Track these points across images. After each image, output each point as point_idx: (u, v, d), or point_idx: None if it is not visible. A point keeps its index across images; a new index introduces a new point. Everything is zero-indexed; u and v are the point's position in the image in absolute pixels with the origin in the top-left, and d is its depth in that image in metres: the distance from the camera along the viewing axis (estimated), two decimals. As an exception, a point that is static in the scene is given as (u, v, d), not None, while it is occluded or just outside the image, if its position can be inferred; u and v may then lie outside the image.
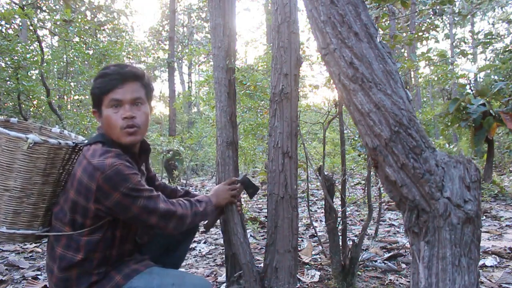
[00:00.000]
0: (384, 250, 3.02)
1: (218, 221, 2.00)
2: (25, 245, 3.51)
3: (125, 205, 1.30)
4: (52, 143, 1.31)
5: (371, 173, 2.44)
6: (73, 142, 1.41)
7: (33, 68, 6.05)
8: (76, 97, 7.47)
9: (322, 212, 4.27)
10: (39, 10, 12.33)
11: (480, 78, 12.86)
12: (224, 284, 2.23)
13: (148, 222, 1.35)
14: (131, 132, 1.37)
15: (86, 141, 1.46)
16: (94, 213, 1.32)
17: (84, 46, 6.73)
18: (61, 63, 6.74)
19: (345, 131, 2.58)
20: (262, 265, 2.04)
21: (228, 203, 1.80)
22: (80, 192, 1.30)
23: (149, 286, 1.36)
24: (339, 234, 2.21)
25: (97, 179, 1.26)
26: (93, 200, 1.29)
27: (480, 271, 2.45)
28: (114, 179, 1.26)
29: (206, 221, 1.77)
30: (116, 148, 1.36)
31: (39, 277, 2.62)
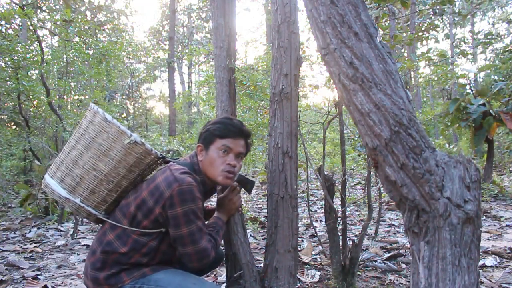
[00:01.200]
0: (384, 250, 3.02)
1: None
2: (25, 245, 3.51)
3: (179, 222, 1.45)
4: (147, 147, 1.54)
5: (371, 173, 2.44)
6: (161, 155, 1.62)
7: (33, 68, 6.05)
8: (76, 97, 7.46)
9: (322, 212, 4.27)
10: (39, 10, 12.32)
11: (480, 78, 12.87)
12: (224, 284, 2.23)
13: (185, 248, 1.49)
14: (229, 177, 1.60)
15: (171, 158, 1.70)
16: (156, 217, 1.47)
17: (84, 46, 6.73)
18: (61, 63, 6.73)
19: (345, 131, 2.58)
20: (262, 265, 2.04)
21: (236, 210, 1.84)
22: (154, 194, 1.47)
23: (171, 280, 1.48)
24: (339, 234, 2.21)
25: (173, 188, 1.43)
26: (161, 205, 1.45)
27: (480, 271, 2.45)
28: (186, 195, 1.44)
29: None
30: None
31: (39, 277, 2.63)
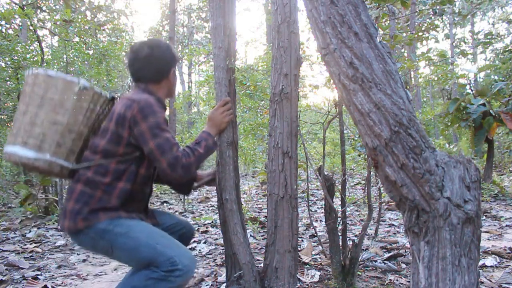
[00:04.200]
0: (384, 250, 3.02)
1: (218, 221, 2.00)
2: (25, 245, 3.51)
3: (146, 138, 1.51)
4: (96, 90, 1.62)
5: (371, 173, 2.44)
6: (111, 96, 1.69)
7: (33, 68, 6.05)
8: (76, 97, 7.45)
9: (322, 212, 4.27)
10: (39, 10, 12.32)
11: (480, 78, 12.86)
12: (224, 284, 2.23)
13: (158, 163, 1.52)
14: None
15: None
16: (127, 141, 1.54)
17: (84, 46, 6.72)
18: (61, 63, 6.73)
19: (345, 131, 2.58)
20: (262, 265, 2.04)
21: (227, 124, 1.90)
22: (118, 122, 1.54)
23: (142, 229, 1.54)
24: (339, 234, 2.21)
25: (133, 108, 1.51)
26: (127, 127, 1.52)
27: (480, 271, 2.45)
28: (145, 110, 1.51)
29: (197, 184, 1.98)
30: None
31: (39, 277, 2.62)
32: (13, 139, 1.56)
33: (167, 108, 2.25)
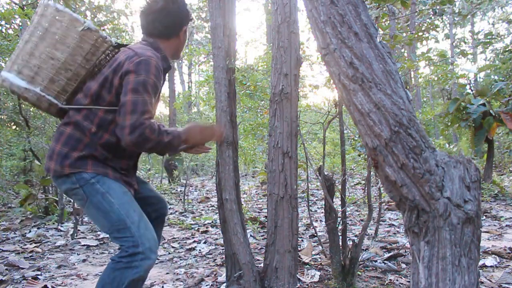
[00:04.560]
0: (384, 250, 3.02)
1: (218, 221, 2.00)
2: (25, 245, 3.51)
3: (127, 89, 1.46)
4: (101, 34, 1.55)
5: (371, 173, 2.44)
6: (116, 43, 1.62)
7: (33, 68, 6.05)
8: (76, 97, 7.47)
9: (322, 212, 4.27)
10: (39, 10, 12.32)
11: (480, 78, 12.86)
12: (224, 284, 2.23)
13: (122, 118, 1.45)
14: None
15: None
16: (116, 90, 1.50)
17: (84, 46, 6.71)
18: (61, 63, 6.73)
19: (345, 131, 2.58)
20: (262, 265, 2.04)
21: (196, 144, 1.77)
22: (115, 69, 1.51)
23: (121, 196, 1.52)
24: (339, 234, 2.21)
25: (132, 60, 1.48)
26: (119, 76, 1.49)
27: (480, 271, 2.45)
28: (142, 65, 1.47)
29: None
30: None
31: (39, 277, 2.62)
32: (10, 66, 1.55)
33: (169, 73, 2.11)
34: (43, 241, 3.67)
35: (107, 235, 1.66)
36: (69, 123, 1.55)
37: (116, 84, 1.50)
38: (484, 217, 4.19)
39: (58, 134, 1.56)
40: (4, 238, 3.79)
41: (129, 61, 1.48)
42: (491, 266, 2.55)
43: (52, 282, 2.53)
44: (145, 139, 1.46)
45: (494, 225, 3.85)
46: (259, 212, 5.01)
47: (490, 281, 2.29)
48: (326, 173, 2.20)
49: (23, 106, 6.14)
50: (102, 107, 1.52)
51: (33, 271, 2.74)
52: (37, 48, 1.52)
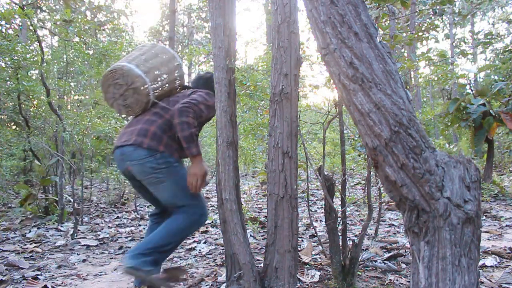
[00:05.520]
0: (384, 250, 3.02)
1: (218, 221, 2.00)
2: (25, 245, 3.51)
3: (193, 95, 2.17)
4: (182, 68, 2.39)
5: (371, 173, 2.44)
6: (185, 85, 2.46)
7: (33, 68, 6.04)
8: (76, 97, 7.46)
9: (322, 212, 4.27)
10: (39, 10, 12.32)
11: (480, 78, 12.86)
12: (224, 284, 2.23)
13: (182, 102, 2.06)
14: None
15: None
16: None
17: (84, 46, 6.72)
18: (61, 63, 6.73)
19: (345, 131, 2.58)
20: (262, 265, 2.04)
21: (196, 172, 2.07)
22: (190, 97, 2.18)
23: (185, 182, 2.04)
24: (339, 234, 2.21)
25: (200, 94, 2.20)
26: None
27: (480, 271, 2.45)
28: (208, 96, 2.20)
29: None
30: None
31: (39, 277, 2.62)
32: (128, 61, 2.15)
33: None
34: (43, 241, 3.67)
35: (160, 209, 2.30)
36: (153, 123, 2.08)
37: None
38: (484, 217, 4.18)
39: (144, 129, 2.05)
40: (4, 238, 3.79)
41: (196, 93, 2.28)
42: (491, 266, 2.55)
43: (52, 282, 2.53)
44: (187, 121, 2.00)
45: (494, 225, 3.85)
46: (259, 212, 5.01)
47: (490, 281, 2.29)
48: (326, 173, 2.20)
49: (23, 106, 6.14)
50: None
51: (33, 271, 2.74)
52: (151, 60, 2.23)
